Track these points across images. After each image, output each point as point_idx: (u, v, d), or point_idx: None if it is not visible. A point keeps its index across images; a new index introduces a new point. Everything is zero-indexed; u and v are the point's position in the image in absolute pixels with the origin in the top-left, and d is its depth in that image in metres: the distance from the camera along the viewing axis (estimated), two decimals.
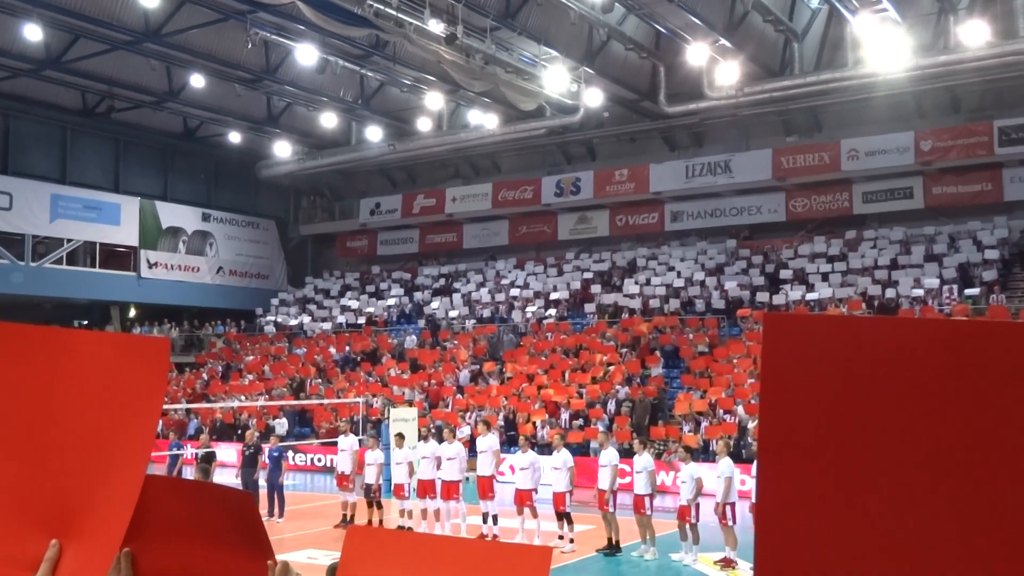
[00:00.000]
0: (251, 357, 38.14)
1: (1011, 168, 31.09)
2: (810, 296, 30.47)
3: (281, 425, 30.95)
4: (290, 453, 26.61)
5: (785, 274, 32.46)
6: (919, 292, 28.63)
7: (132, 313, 43.64)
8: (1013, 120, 30.28)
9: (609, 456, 16.64)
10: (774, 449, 1.08)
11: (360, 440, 21.73)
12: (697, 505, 15.28)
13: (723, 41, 29.19)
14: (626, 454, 20.61)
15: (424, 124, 36.96)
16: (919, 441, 1.02)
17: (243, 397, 33.74)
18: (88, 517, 1.41)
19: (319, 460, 29.76)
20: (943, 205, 32.38)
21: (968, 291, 28.49)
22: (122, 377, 1.44)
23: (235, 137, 39.87)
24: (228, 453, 27.77)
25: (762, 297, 31.43)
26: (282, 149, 40.52)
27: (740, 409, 25.13)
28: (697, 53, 28.97)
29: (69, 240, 38.57)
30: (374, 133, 38.36)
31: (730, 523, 14.94)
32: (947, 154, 31.40)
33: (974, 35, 26.70)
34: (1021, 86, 29.82)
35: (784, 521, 1.07)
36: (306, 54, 30.32)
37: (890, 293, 29.06)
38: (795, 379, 1.06)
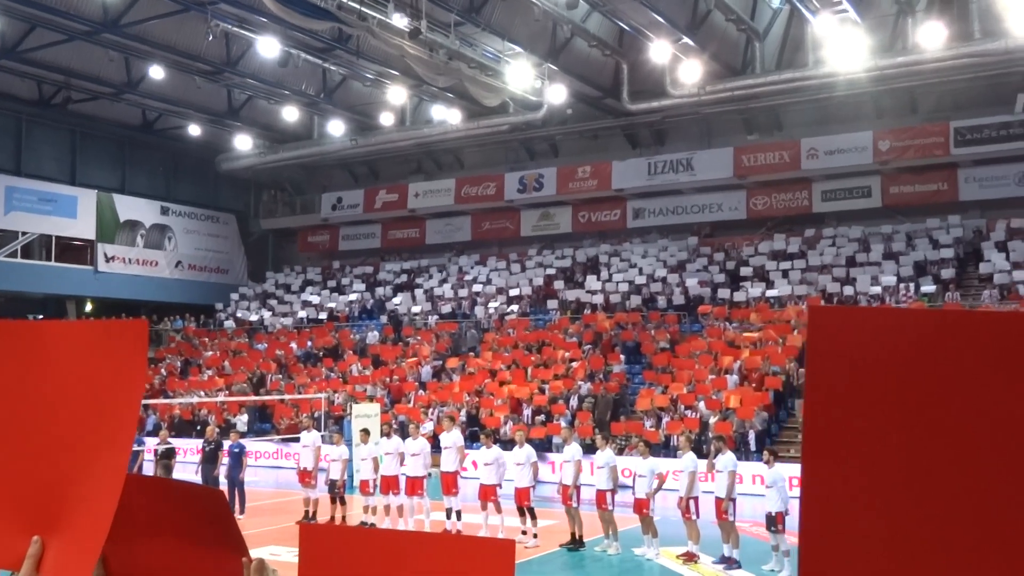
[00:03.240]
0: (210, 352, 37.78)
1: (966, 168, 31.58)
2: (770, 293, 30.75)
3: (241, 421, 30.67)
4: (250, 448, 26.38)
5: (745, 271, 32.72)
6: (877, 289, 28.99)
7: (88, 307, 43.01)
8: (968, 121, 30.75)
9: (571, 451, 16.65)
10: (820, 445, 1.05)
11: (322, 436, 21.57)
12: (653, 499, 15.32)
13: (686, 39, 29.34)
14: (588, 450, 20.66)
15: (387, 119, 36.76)
16: (973, 438, 1.00)
17: (202, 393, 33.40)
18: (72, 512, 1.36)
19: (280, 456, 29.50)
20: (900, 204, 32.80)
21: (924, 288, 28.89)
22: (100, 365, 1.39)
23: (195, 130, 39.39)
24: (187, 449, 27.44)
25: (723, 294, 31.66)
26: (243, 142, 40.10)
27: (701, 405, 25.29)
28: (660, 51, 29.09)
29: (24, 233, 37.89)
30: (336, 127, 38.10)
31: (694, 517, 15.03)
32: (904, 154, 31.81)
33: (931, 37, 27.07)
34: (976, 88, 30.30)
35: (830, 520, 1.04)
36: (268, 47, 30.02)
37: (848, 290, 29.39)
38: (841, 374, 1.03)
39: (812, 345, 1.06)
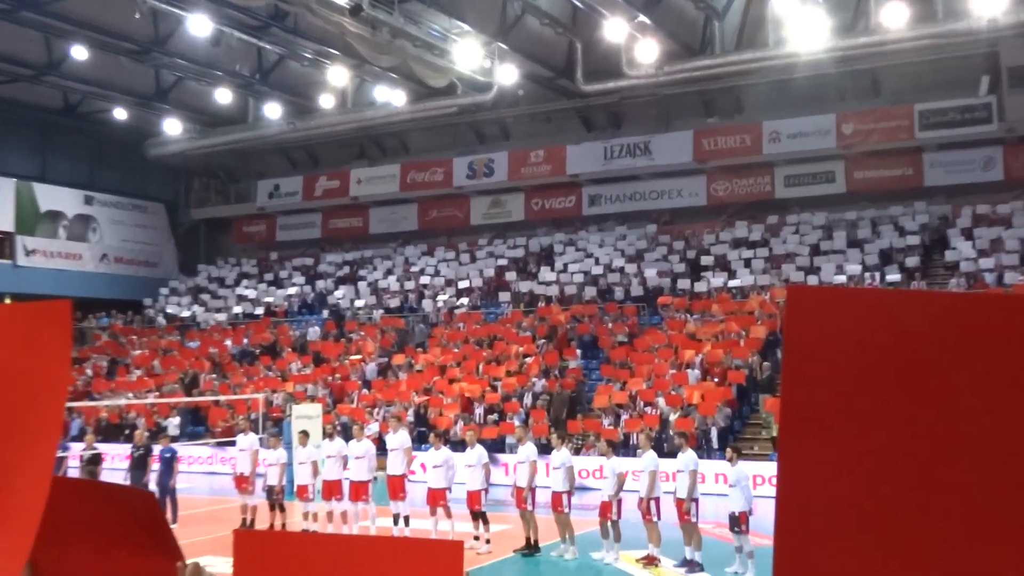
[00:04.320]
0: (139, 351, 37.34)
1: (931, 152, 32.08)
2: (732, 283, 31.03)
3: (173, 424, 30.34)
4: (183, 453, 26.09)
5: (707, 260, 32.98)
6: (841, 278, 29.37)
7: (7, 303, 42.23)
8: (933, 104, 31.21)
9: (526, 452, 16.65)
10: (796, 424, 1.06)
11: (260, 439, 21.40)
12: (619, 501, 15.38)
13: (642, 17, 29.40)
14: (544, 450, 20.67)
15: (327, 101, 36.44)
16: (948, 416, 0.99)
17: (131, 395, 33.00)
18: None
19: (215, 461, 29.22)
20: (865, 190, 33.25)
21: (889, 277, 29.33)
22: (23, 350, 1.33)
23: (121, 114, 38.74)
24: (115, 455, 27.04)
25: (683, 284, 31.90)
26: (172, 127, 39.58)
27: (661, 401, 25.45)
28: (615, 29, 29.12)
29: None
30: (273, 110, 37.70)
31: (654, 519, 15.09)
32: (868, 137, 32.23)
33: (894, 17, 27.38)
34: (940, 70, 30.76)
35: (806, 499, 1.07)
36: (199, 25, 29.58)
37: (812, 279, 29.74)
38: (818, 353, 1.04)
39: (790, 325, 1.06)
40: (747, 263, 32.06)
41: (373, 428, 25.94)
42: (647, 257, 34.44)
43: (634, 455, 21.97)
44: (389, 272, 39.31)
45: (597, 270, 34.19)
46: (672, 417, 24.50)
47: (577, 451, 24.12)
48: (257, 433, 22.74)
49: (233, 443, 22.22)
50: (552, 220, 38.95)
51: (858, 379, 1.02)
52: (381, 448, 20.40)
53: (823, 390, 1.03)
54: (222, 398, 31.45)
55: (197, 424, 31.99)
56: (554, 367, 29.11)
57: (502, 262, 37.20)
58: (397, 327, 34.70)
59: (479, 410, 27.60)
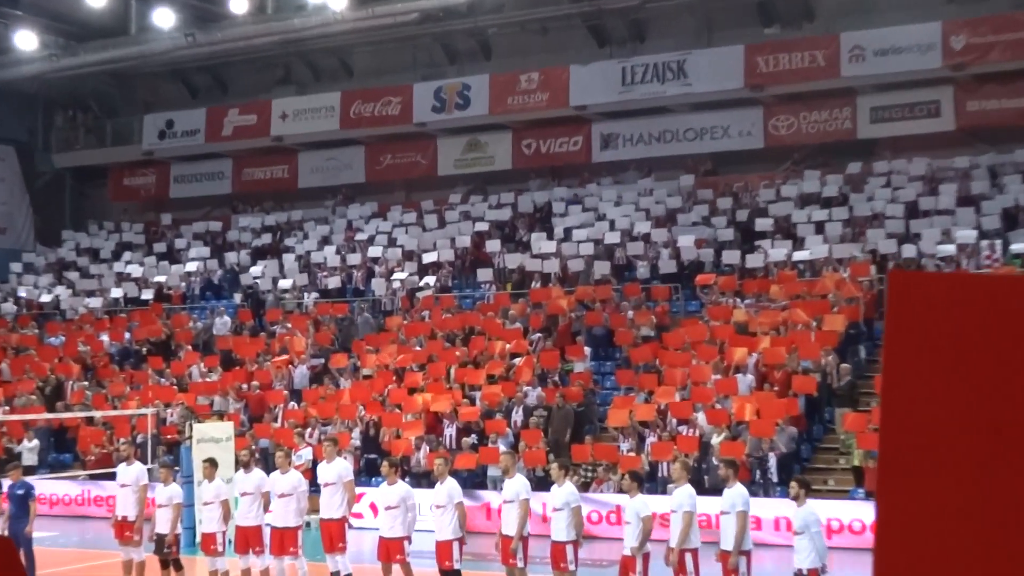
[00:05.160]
0: None
1: None
2: (798, 255, 31.07)
3: (29, 450, 30.28)
4: (42, 490, 26.02)
5: (763, 224, 33.01)
6: (949, 248, 29.42)
7: None
8: None
9: (515, 487, 16.65)
10: (899, 451, 1.06)
11: (149, 470, 21.41)
12: (645, 556, 15.39)
13: None
14: (541, 485, 20.57)
15: (238, 5, 36.26)
16: None
17: None
18: None
19: (88, 501, 29.22)
20: (981, 126, 33.29)
21: (1016, 245, 29.39)
22: None
23: None
24: None
25: (731, 257, 31.91)
26: (25, 41, 39.36)
27: (701, 417, 25.45)
28: None
29: None
30: (164, 17, 37.53)
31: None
32: (987, 54, 32.23)
33: None
34: None
35: (915, 550, 1.07)
36: None
37: (909, 250, 29.78)
38: (924, 350, 1.07)
39: (892, 318, 1.13)
40: (819, 228, 32.09)
41: (305, 455, 25.92)
42: (681, 220, 34.40)
43: (664, 492, 21.97)
44: (326, 241, 39.21)
45: (612, 238, 34.15)
46: (716, 440, 24.51)
47: (585, 486, 24.11)
48: (145, 463, 22.62)
49: (112, 476, 22.08)
50: (551, 169, 38.81)
51: (982, 387, 1.05)
52: (315, 482, 20.37)
53: (928, 391, 1.05)
54: (96, 414, 31.34)
55: (62, 450, 31.83)
56: (553, 371, 29.09)
57: (482, 227, 37.13)
58: (337, 317, 34.64)
59: (450, 431, 27.59)
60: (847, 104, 34.55)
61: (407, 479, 21.24)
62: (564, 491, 16.28)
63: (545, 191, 38.24)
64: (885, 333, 1.14)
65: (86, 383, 34.06)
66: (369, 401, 29.24)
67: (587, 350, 29.89)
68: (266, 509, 18.04)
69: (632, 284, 31.96)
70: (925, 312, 1.09)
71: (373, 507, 22.88)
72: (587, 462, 25.61)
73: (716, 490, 17.87)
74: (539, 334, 30.60)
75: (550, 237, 35.13)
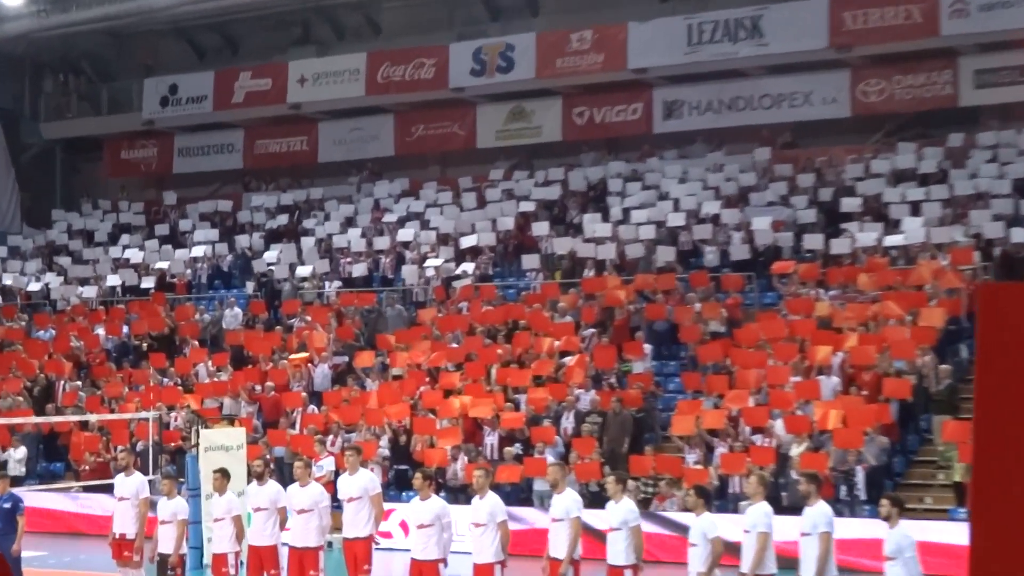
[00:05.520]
0: None
1: None
2: (891, 240, 30.87)
3: (16, 459, 30.50)
4: (31, 504, 26.19)
5: (850, 204, 32.84)
6: None
7: None
8: None
9: (565, 504, 16.67)
10: (992, 450, 1.11)
11: (150, 482, 21.51)
12: None
13: None
14: (595, 501, 20.60)
15: None
16: None
17: None
18: None
19: (80, 516, 29.36)
20: None
21: None
22: None
23: None
24: None
25: (813, 242, 31.75)
26: None
27: (779, 425, 25.36)
28: None
29: None
30: None
31: None
32: None
33: None
34: None
35: (1007, 538, 1.11)
36: None
37: (1018, 234, 29.56)
38: (1018, 363, 1.11)
39: (983, 332, 1.13)
40: (914, 208, 31.91)
41: (326, 466, 25.97)
42: (755, 199, 34.30)
43: (735, 510, 21.95)
44: (350, 223, 39.27)
45: (676, 219, 34.06)
46: (795, 451, 24.44)
47: (646, 503, 24.11)
48: (146, 473, 22.72)
49: (109, 488, 22.21)
50: (606, 142, 38.74)
51: None
52: (338, 497, 20.42)
53: None
54: (91, 418, 31.36)
55: (52, 459, 32.06)
56: (609, 372, 29.09)
57: (527, 207, 37.10)
58: (363, 308, 34.68)
59: (491, 439, 27.60)
60: (947, 67, 34.30)
61: (442, 494, 21.23)
62: (621, 508, 16.29)
63: (599, 166, 38.16)
64: (977, 346, 1.18)
65: (79, 383, 34.21)
66: (399, 405, 29.28)
67: (647, 348, 29.83)
68: (283, 527, 18.08)
69: (699, 272, 31.89)
70: (1018, 324, 1.13)
71: (403, 525, 23.02)
72: (647, 475, 25.60)
73: (795, 509, 17.83)
74: (592, 329, 30.60)
75: (605, 219, 35.07)
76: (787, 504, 21.86)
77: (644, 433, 27.49)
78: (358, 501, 17.98)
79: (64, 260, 41.92)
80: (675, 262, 32.67)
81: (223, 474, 19.07)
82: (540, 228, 35.81)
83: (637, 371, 29.04)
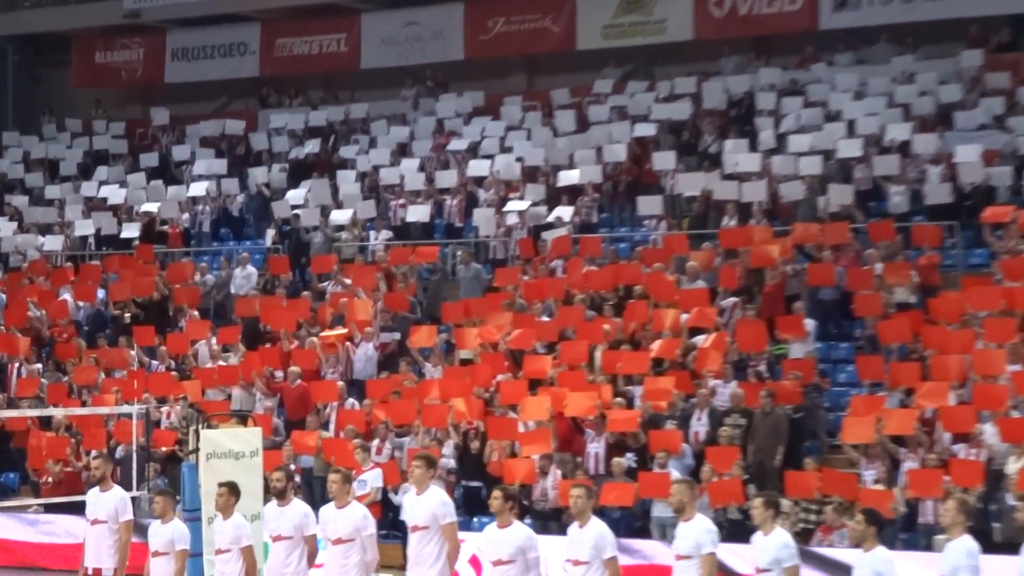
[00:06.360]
0: None
1: None
2: None
3: None
4: None
5: None
6: None
7: None
8: None
9: (695, 536, 16.75)
10: None
11: (135, 499, 21.80)
12: None
13: None
14: (736, 531, 20.73)
15: None
16: None
17: None
18: None
19: (39, 543, 29.76)
20: None
21: None
22: None
23: None
24: None
25: None
26: None
27: (989, 431, 25.28)
28: None
29: None
30: None
31: None
32: None
33: None
34: None
35: None
36: None
37: None
38: None
39: None
40: None
41: (371, 480, 26.19)
42: (960, 121, 34.17)
43: (928, 546, 21.97)
44: (403, 151, 39.47)
45: (850, 148, 33.99)
46: (1013, 467, 24.36)
47: (806, 536, 24.13)
48: (128, 488, 22.93)
49: (80, 508, 22.37)
50: (754, 41, 38.76)
51: None
52: (388, 521, 20.69)
53: None
54: (56, 412, 31.62)
55: (3, 467, 32.46)
56: (757, 357, 29.14)
57: (645, 130, 37.15)
58: (421, 268, 34.85)
59: (595, 447, 27.73)
60: None
61: (527, 520, 21.35)
62: (773, 542, 16.31)
63: (745, 75, 38.16)
64: None
65: (39, 366, 34.47)
66: (469, 399, 29.32)
67: (810, 324, 29.79)
68: (311, 561, 18.16)
69: (882, 222, 31.82)
70: None
71: (475, 561, 23.17)
72: (812, 498, 25.64)
73: (1012, 546, 17.86)
74: (734, 298, 30.65)
75: (753, 147, 35.09)
76: (1000, 540, 21.84)
77: (804, 440, 27.50)
78: (425, 531, 17.43)
79: (19, 200, 42.22)
80: (850, 206, 32.56)
81: (231, 490, 18.79)
82: (663, 160, 35.79)
83: (795, 356, 29.06)
